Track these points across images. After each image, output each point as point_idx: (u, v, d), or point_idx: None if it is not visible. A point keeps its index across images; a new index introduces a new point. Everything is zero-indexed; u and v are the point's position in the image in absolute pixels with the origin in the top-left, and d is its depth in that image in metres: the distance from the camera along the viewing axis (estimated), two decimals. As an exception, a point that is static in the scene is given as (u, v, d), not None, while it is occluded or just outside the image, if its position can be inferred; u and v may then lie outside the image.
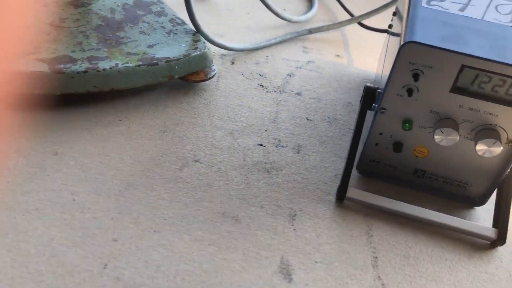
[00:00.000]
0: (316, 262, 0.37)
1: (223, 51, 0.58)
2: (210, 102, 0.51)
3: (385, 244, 0.39)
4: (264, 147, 0.46)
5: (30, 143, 0.42)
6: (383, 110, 0.40)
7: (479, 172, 0.42)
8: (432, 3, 0.40)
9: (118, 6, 0.54)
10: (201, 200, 0.40)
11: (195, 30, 0.52)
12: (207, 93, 0.52)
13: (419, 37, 0.36)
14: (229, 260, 0.36)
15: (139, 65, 0.46)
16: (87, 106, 0.47)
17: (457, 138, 0.39)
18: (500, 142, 0.38)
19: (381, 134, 0.42)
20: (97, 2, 0.54)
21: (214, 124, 0.48)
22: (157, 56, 0.48)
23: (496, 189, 0.42)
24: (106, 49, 0.47)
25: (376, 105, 0.41)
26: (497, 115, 0.38)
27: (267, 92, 0.53)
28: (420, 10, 0.39)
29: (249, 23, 0.65)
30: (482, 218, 0.43)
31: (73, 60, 0.45)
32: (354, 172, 0.45)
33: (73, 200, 0.38)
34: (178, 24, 0.53)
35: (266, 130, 0.48)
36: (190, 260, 0.36)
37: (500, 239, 0.39)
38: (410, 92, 0.38)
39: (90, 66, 0.45)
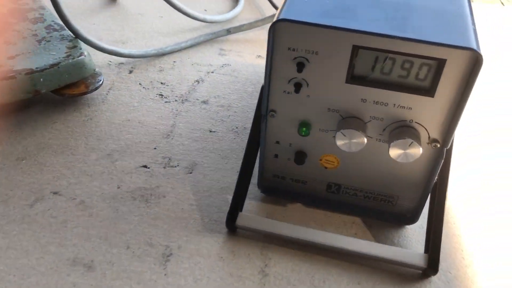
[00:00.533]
0: (186, 318, 0.28)
1: (122, 59, 0.50)
2: (91, 119, 0.42)
3: (283, 285, 0.30)
4: (149, 169, 0.38)
5: None
6: (273, 113, 0.32)
7: (405, 182, 0.33)
8: (322, -27, 0.32)
9: (-13, 15, 0.46)
10: (48, 245, 0.31)
11: (73, 36, 0.44)
12: (91, 109, 0.43)
13: (293, 14, 0.27)
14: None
15: (-11, 81, 0.38)
16: None
17: (364, 140, 0.30)
18: (419, 142, 0.29)
19: (278, 142, 0.33)
20: (-39, 12, 0.46)
21: (89, 145, 0.39)
22: (15, 68, 0.39)
23: (429, 202, 0.33)
24: (-48, 64, 0.39)
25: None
26: (411, 108, 0.29)
27: (166, 102, 0.45)
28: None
29: (160, 27, 0.57)
30: (416, 239, 0.34)
31: None
32: (258, 192, 0.36)
33: None
34: (56, 30, 0.45)
35: (155, 148, 0.40)
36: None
37: (431, 268, 0.30)
38: (298, 87, 0.30)
39: None
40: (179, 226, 0.33)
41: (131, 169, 0.38)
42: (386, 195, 0.34)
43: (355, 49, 0.28)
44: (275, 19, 0.28)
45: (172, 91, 0.46)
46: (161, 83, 0.47)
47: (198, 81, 0.48)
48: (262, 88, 0.34)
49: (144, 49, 0.50)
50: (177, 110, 0.44)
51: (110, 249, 0.31)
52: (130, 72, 0.48)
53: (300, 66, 0.29)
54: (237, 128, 0.42)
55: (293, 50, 0.28)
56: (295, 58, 0.29)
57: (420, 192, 0.33)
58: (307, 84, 0.30)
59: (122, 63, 0.50)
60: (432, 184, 0.32)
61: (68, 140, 0.40)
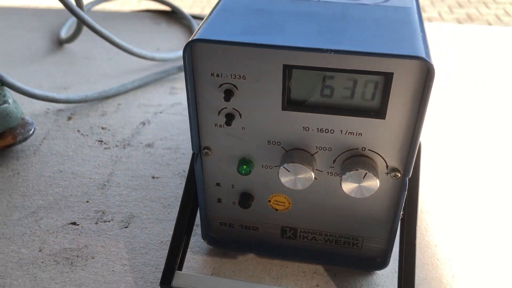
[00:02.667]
0: None
1: (61, 105, 0.46)
2: (19, 173, 0.37)
3: None
4: (77, 226, 0.33)
5: None
6: (207, 151, 0.27)
7: (367, 220, 0.28)
8: (251, -12, 0.28)
9: None
10: None
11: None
12: (19, 162, 0.39)
13: (209, 33, 0.23)
14: None
15: None
16: None
17: (312, 175, 0.26)
18: (375, 173, 0.25)
19: (218, 184, 0.29)
20: None
21: (12, 203, 0.34)
22: None
23: (399, 242, 0.29)
24: None
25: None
26: (361, 134, 0.25)
27: (105, 148, 0.40)
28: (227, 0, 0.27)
29: (108, 69, 0.53)
30: (388, 287, 0.29)
31: None
32: (205, 245, 0.31)
33: None
34: (-20, 78, 0.41)
35: (87, 201, 0.35)
36: None
37: (404, 323, 0.25)
38: (229, 118, 0.26)
39: None
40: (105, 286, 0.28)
41: (57, 227, 0.33)
42: (349, 237, 0.29)
43: (287, 69, 0.23)
44: (190, 38, 0.24)
45: (114, 136, 0.42)
46: (102, 128, 0.43)
47: (143, 123, 0.44)
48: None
49: (84, 94, 0.46)
50: (116, 157, 0.39)
51: (19, 328, 0.26)
52: (69, 119, 0.44)
53: (228, 94, 0.25)
54: (184, 171, 0.38)
55: (217, 75, 0.24)
56: (221, 85, 0.25)
57: (387, 231, 0.28)
58: (240, 115, 0.26)
59: (61, 110, 0.45)
60: (399, 220, 0.27)
61: (-12, 199, 0.35)
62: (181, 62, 0.53)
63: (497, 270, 0.30)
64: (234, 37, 0.23)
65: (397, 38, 0.23)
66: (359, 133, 0.25)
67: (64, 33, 0.59)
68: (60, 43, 0.58)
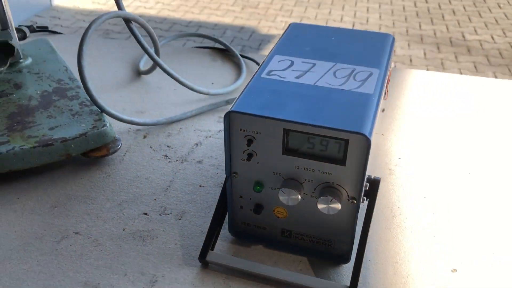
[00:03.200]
0: (161, 327, 0.38)
1: (138, 126, 0.62)
2: (110, 175, 0.54)
3: (237, 307, 0.40)
4: (148, 216, 0.49)
5: None
6: (235, 175, 0.42)
7: (336, 229, 0.42)
8: (272, 73, 0.43)
9: (37, 93, 0.60)
10: (68, 271, 0.43)
11: (99, 110, 0.57)
12: (110, 167, 0.55)
13: (240, 107, 0.39)
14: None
15: (34, 147, 0.51)
16: (-7, 187, 0.52)
17: (299, 197, 0.40)
18: (339, 199, 0.39)
19: (241, 197, 0.44)
20: (18, 92, 0.60)
21: (106, 196, 0.51)
22: (54, 137, 0.52)
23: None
24: (9, 134, 0.52)
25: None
26: (331, 174, 0.39)
27: (169, 162, 0.56)
28: (256, 81, 0.42)
29: (174, 98, 0.69)
30: (348, 276, 0.42)
31: (-26, 147, 0.50)
32: (230, 236, 0.46)
33: (-50, 275, 0.42)
34: (87, 106, 0.58)
35: (155, 199, 0.51)
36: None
37: (350, 297, 0.39)
38: (249, 156, 0.41)
39: (-12, 151, 0.50)
40: (165, 260, 0.44)
41: (135, 215, 0.49)
42: (325, 240, 0.43)
43: (286, 131, 0.38)
44: (229, 109, 0.39)
45: (175, 153, 0.58)
46: (167, 146, 0.59)
47: (197, 144, 0.59)
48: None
49: (157, 118, 0.63)
50: (177, 169, 0.55)
51: (112, 275, 0.42)
52: (144, 137, 0.61)
53: (249, 142, 0.40)
54: (222, 183, 0.53)
55: (243, 130, 0.39)
56: (245, 136, 0.40)
57: (349, 237, 0.42)
58: (256, 154, 0.40)
59: (139, 130, 0.62)
60: (354, 231, 0.41)
61: (90, 192, 0.52)
62: (228, 97, 0.69)
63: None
64: (255, 111, 0.38)
65: (354, 118, 0.37)
66: (329, 173, 0.39)
67: (142, 66, 0.76)
68: (138, 73, 0.75)
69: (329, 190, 0.40)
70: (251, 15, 3.63)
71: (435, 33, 3.33)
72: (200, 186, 0.53)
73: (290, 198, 0.40)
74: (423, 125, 0.64)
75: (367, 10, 3.74)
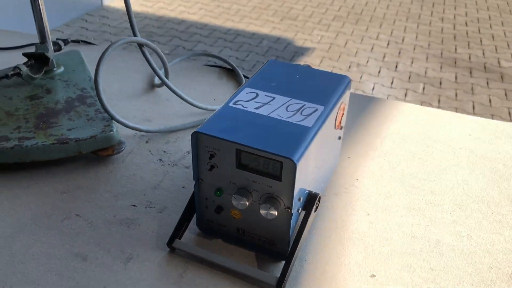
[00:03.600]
0: (128, 293, 0.49)
1: (142, 132, 0.74)
2: (112, 171, 0.66)
3: (189, 283, 0.50)
4: (136, 207, 0.60)
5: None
6: (201, 181, 0.53)
7: (277, 231, 0.52)
8: (238, 102, 0.54)
9: (63, 99, 0.73)
10: (66, 244, 0.54)
11: (110, 117, 0.69)
12: (113, 165, 0.67)
13: (203, 128, 0.49)
14: (65, 286, 0.50)
15: (53, 143, 0.63)
16: (18, 171, 0.65)
17: (247, 203, 0.50)
18: (277, 207, 0.49)
19: (206, 199, 0.54)
20: (48, 96, 0.73)
21: (106, 188, 0.63)
22: (70, 137, 0.64)
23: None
24: (35, 131, 0.65)
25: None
26: (271, 186, 0.49)
27: (162, 165, 0.68)
28: (223, 109, 0.53)
29: (179, 110, 0.81)
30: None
31: (8, 139, 0.63)
32: (197, 229, 0.57)
33: (-21, 238, 0.55)
34: (101, 113, 0.70)
35: (144, 195, 0.62)
36: (29, 280, 0.50)
37: (277, 285, 0.49)
38: (212, 167, 0.51)
39: (18, 144, 0.63)
40: (142, 243, 0.55)
41: (125, 206, 0.60)
42: (269, 239, 0.53)
43: (238, 151, 0.49)
44: (197, 129, 0.50)
45: (169, 158, 0.69)
46: (164, 151, 0.71)
47: (188, 152, 0.71)
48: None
49: (159, 127, 0.74)
50: (167, 171, 0.67)
51: (98, 250, 0.54)
52: (146, 142, 0.72)
53: (211, 156, 0.50)
54: (201, 187, 0.64)
55: (207, 147, 0.50)
56: (208, 151, 0.50)
57: (286, 239, 0.52)
58: (217, 166, 0.51)
59: (143, 135, 0.74)
60: (290, 234, 0.51)
61: (94, 184, 0.64)
62: (224, 113, 0.79)
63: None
64: (216, 133, 0.49)
65: (289, 145, 0.47)
66: (270, 186, 0.49)
67: (156, 80, 0.88)
68: (153, 86, 0.87)
69: (270, 199, 0.50)
70: (289, 26, 3.74)
71: (470, 57, 3.33)
72: (183, 187, 0.64)
73: (240, 203, 0.50)
74: (390, 155, 0.72)
75: (405, 29, 3.78)
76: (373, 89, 2.89)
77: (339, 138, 0.62)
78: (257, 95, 0.55)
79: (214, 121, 0.51)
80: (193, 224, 0.57)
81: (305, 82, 0.58)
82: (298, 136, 0.49)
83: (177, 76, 0.91)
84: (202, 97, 0.85)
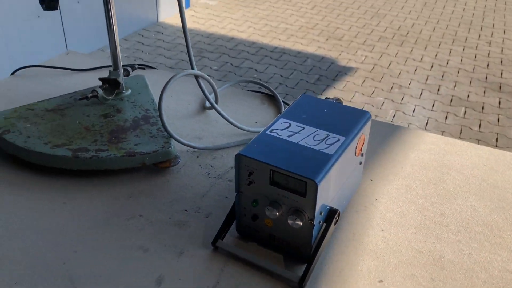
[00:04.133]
0: (179, 279, 0.62)
1: (194, 149, 0.87)
2: (168, 181, 0.79)
3: (228, 276, 0.62)
4: (187, 212, 0.73)
5: (42, 193, 0.74)
6: (241, 193, 0.65)
7: (302, 238, 0.63)
8: (273, 131, 0.66)
9: (130, 118, 0.87)
10: (131, 238, 0.68)
11: (169, 135, 0.82)
12: (170, 175, 0.80)
13: (244, 151, 0.61)
14: (128, 275, 0.63)
15: (123, 156, 0.77)
16: (94, 177, 0.79)
17: (277, 214, 0.62)
18: (301, 219, 0.60)
19: (244, 208, 0.66)
20: (118, 115, 0.88)
21: (163, 195, 0.76)
22: (136, 150, 0.78)
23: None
24: (108, 145, 0.79)
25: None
26: (297, 201, 0.60)
27: (209, 177, 0.80)
28: (261, 135, 0.65)
29: (225, 131, 0.93)
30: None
31: (87, 150, 0.78)
32: (236, 233, 0.69)
33: (64, 203, 0.69)
34: (161, 131, 0.84)
35: (194, 202, 0.75)
36: (102, 265, 0.63)
37: (299, 283, 0.60)
38: (250, 182, 0.63)
39: (95, 154, 0.77)
40: (191, 241, 0.68)
41: (179, 210, 0.73)
42: (294, 245, 0.64)
43: (271, 171, 0.60)
44: (239, 152, 0.62)
45: (215, 171, 0.82)
46: (211, 166, 0.83)
47: (232, 168, 0.83)
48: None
49: (208, 144, 0.87)
50: (213, 183, 0.79)
51: (157, 245, 0.67)
52: (197, 157, 0.85)
53: (250, 173, 0.62)
54: (241, 198, 0.76)
55: (247, 166, 0.62)
56: (248, 170, 0.62)
57: (309, 245, 0.63)
58: (254, 182, 0.63)
59: (194, 151, 0.87)
60: (312, 241, 0.62)
61: (154, 191, 0.77)
62: (264, 134, 0.91)
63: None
64: (254, 155, 0.61)
65: (312, 169, 0.58)
66: (296, 201, 0.60)
67: (207, 104, 1.01)
68: (204, 108, 1.01)
69: (296, 212, 0.61)
70: (334, 46, 3.84)
71: (515, 83, 3.31)
72: (226, 197, 0.76)
73: (272, 213, 0.62)
74: (408, 179, 0.82)
75: (450, 52, 3.79)
76: (413, 111, 2.94)
77: (360, 163, 0.73)
78: (290, 125, 0.67)
79: (253, 145, 0.63)
80: (232, 228, 0.69)
81: (331, 115, 0.69)
82: (321, 162, 0.60)
83: (224, 99, 1.04)
84: (245, 119, 0.97)
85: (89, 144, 0.80)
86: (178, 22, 4.15)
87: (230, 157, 0.86)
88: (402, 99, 3.08)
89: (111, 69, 0.93)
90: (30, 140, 0.79)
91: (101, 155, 0.77)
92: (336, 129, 0.66)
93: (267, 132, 0.65)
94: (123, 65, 0.99)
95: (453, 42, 3.96)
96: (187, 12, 4.37)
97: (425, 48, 3.84)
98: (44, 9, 0.84)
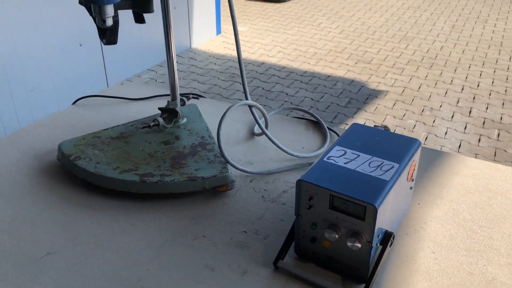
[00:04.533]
0: (245, 297, 0.66)
1: (247, 173, 0.92)
2: (226, 204, 0.84)
3: (290, 295, 0.67)
4: (246, 233, 0.78)
5: (111, 216, 0.81)
6: (300, 216, 0.70)
7: (359, 260, 0.67)
8: (330, 158, 0.70)
9: (188, 144, 0.93)
10: (196, 257, 0.73)
11: (225, 161, 0.88)
12: (227, 198, 0.86)
13: (305, 177, 0.66)
14: (200, 289, 0.68)
15: (185, 180, 0.83)
16: (157, 200, 0.85)
17: (336, 236, 0.66)
18: (360, 241, 0.64)
19: (304, 231, 0.71)
20: (177, 142, 0.94)
21: (222, 217, 0.81)
22: (197, 175, 0.84)
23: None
24: (171, 170, 0.85)
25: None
26: (356, 225, 0.65)
27: (263, 201, 0.85)
28: (319, 163, 0.70)
29: (274, 156, 0.99)
30: (364, 291, 0.67)
31: (152, 175, 0.84)
32: (294, 254, 0.73)
33: (133, 225, 0.74)
34: (218, 157, 0.89)
35: (252, 224, 0.80)
36: (174, 283, 0.68)
37: (359, 302, 0.64)
38: (310, 206, 0.68)
39: (160, 179, 0.83)
40: (253, 261, 0.72)
41: (238, 231, 0.78)
42: (352, 266, 0.68)
43: (331, 196, 0.65)
44: (300, 177, 0.66)
45: (269, 195, 0.87)
46: (264, 189, 0.88)
47: (284, 191, 0.88)
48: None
49: (260, 169, 0.92)
50: (268, 206, 0.84)
51: (222, 264, 0.71)
52: (251, 181, 0.91)
53: (310, 198, 0.67)
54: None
55: (307, 191, 0.67)
56: (308, 194, 0.67)
57: (366, 267, 0.67)
58: (314, 206, 0.67)
59: (248, 176, 0.92)
60: (369, 263, 0.66)
61: (214, 213, 0.82)
62: (312, 160, 0.96)
63: (419, 300, 0.66)
64: (314, 181, 0.65)
65: (371, 194, 0.63)
66: (355, 224, 0.65)
67: (255, 130, 1.07)
68: (253, 135, 1.06)
69: (355, 234, 0.65)
70: (363, 69, 3.89)
71: (549, 105, 3.29)
72: (281, 220, 0.81)
73: (331, 236, 0.66)
74: (454, 203, 0.85)
75: (480, 74, 3.79)
76: (445, 133, 2.94)
77: (411, 188, 0.77)
78: (345, 152, 0.71)
79: (313, 171, 0.68)
80: (291, 250, 0.74)
81: (383, 143, 0.73)
82: (379, 187, 0.64)
83: (271, 126, 1.09)
84: (292, 144, 1.02)
85: (154, 169, 0.86)
86: (210, 48, 4.27)
87: (281, 181, 0.91)
88: (434, 121, 3.09)
89: (169, 99, 1.00)
90: (99, 166, 0.86)
91: (165, 179, 0.83)
92: (389, 156, 0.70)
93: (325, 159, 0.70)
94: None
95: (483, 64, 3.96)
96: (218, 39, 4.50)
97: (455, 70, 3.85)
98: (105, 44, 0.92)
